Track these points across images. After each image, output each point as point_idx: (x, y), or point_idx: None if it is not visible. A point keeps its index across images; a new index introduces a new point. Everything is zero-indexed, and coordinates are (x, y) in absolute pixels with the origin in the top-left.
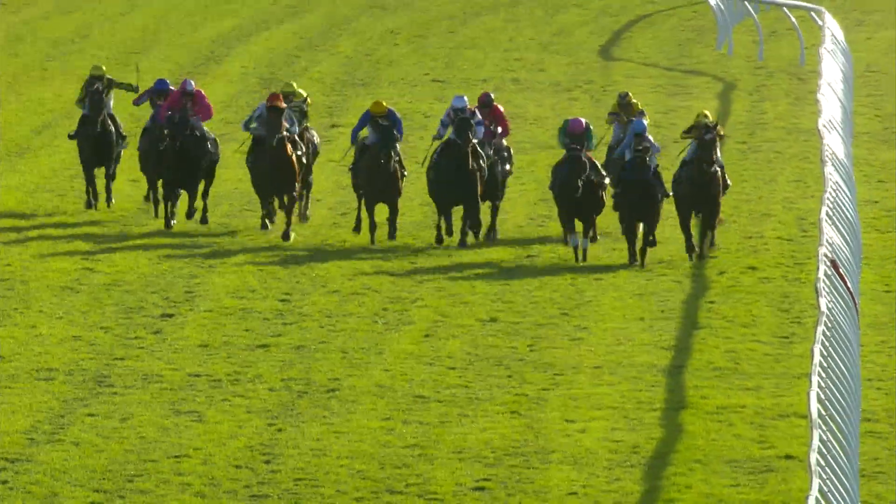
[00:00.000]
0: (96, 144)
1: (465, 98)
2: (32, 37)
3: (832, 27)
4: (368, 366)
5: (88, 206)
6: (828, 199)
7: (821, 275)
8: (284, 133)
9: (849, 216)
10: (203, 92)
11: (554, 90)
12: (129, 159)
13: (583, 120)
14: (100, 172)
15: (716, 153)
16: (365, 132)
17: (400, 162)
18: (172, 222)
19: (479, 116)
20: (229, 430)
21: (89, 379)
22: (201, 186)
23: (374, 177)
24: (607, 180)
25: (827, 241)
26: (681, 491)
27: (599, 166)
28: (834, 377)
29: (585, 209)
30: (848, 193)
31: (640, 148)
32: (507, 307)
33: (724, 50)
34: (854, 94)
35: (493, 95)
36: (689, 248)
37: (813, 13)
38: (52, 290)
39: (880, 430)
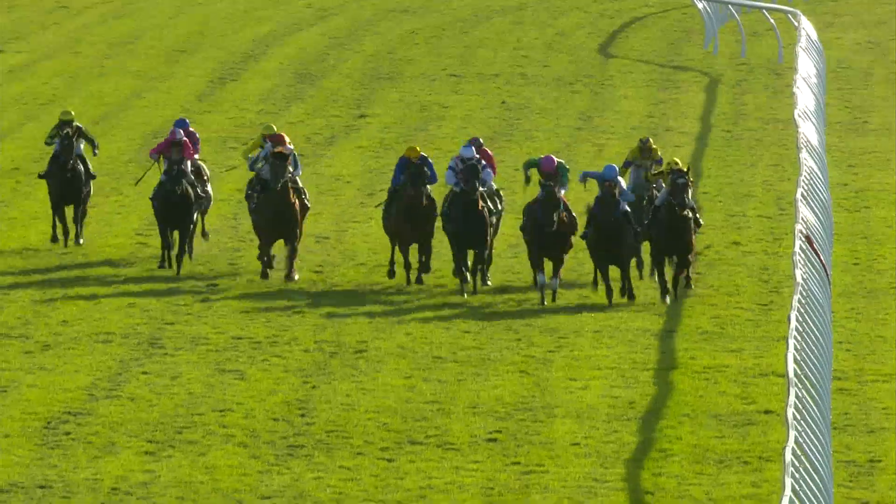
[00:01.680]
0: (65, 184)
1: (473, 148)
2: (91, 38)
3: (807, 28)
4: (392, 330)
5: (54, 240)
6: (803, 181)
7: (797, 249)
8: (287, 179)
9: (822, 197)
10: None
11: (557, 84)
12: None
13: (554, 158)
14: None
15: (688, 196)
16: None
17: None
18: (172, 265)
19: (485, 162)
20: (268, 387)
21: (143, 341)
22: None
23: (410, 217)
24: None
25: (802, 219)
26: (672, 442)
27: (570, 208)
28: (808, 340)
29: (556, 248)
30: (821, 176)
31: (611, 184)
32: (517, 278)
33: (710, 48)
34: (826, 87)
35: (481, 140)
36: (664, 291)
37: (790, 15)
38: (110, 263)
39: (850, 387)
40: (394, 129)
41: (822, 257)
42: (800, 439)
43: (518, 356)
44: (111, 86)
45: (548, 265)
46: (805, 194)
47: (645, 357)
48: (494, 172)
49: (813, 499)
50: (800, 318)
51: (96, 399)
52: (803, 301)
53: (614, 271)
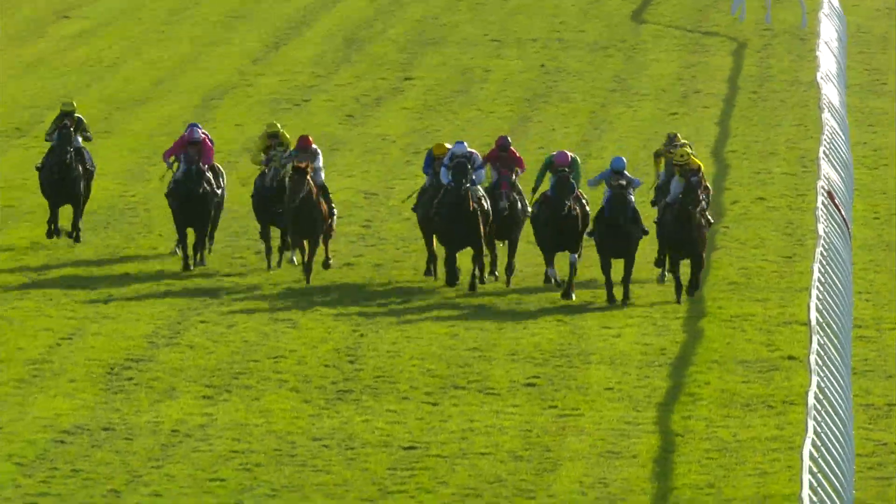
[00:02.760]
0: (58, 181)
1: (465, 143)
2: (152, 5)
3: None
4: (437, 282)
5: (49, 235)
6: (825, 140)
7: (819, 204)
8: (309, 188)
9: (843, 155)
10: (208, 136)
11: (592, 48)
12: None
13: (568, 153)
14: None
15: (701, 194)
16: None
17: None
18: (190, 268)
19: (480, 160)
20: (319, 335)
21: (202, 292)
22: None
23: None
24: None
25: (824, 175)
26: (700, 387)
27: (584, 200)
28: (830, 290)
29: (568, 240)
30: (842, 135)
31: (618, 184)
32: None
33: (737, 15)
34: (847, 51)
35: (509, 140)
36: (678, 287)
37: None
38: (169, 218)
39: (869, 335)
40: (437, 91)
41: (843, 212)
42: (822, 384)
43: (555, 306)
44: (169, 51)
45: (559, 262)
46: (827, 152)
47: (675, 306)
48: (522, 170)
49: (834, 440)
50: (822, 270)
51: (157, 347)
52: (825, 253)
53: (616, 273)
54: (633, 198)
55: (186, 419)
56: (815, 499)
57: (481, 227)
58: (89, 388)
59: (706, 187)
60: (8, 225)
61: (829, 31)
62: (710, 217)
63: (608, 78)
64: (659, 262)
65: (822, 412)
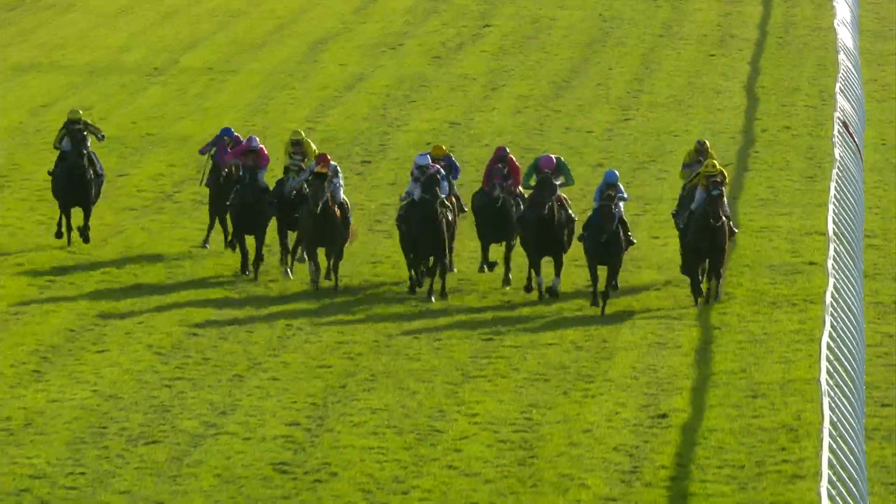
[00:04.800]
0: (71, 184)
1: (428, 157)
2: None
3: None
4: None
5: (58, 236)
6: (841, 77)
7: (836, 132)
8: (325, 199)
9: (856, 90)
10: (264, 147)
11: None
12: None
13: (553, 157)
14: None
15: (723, 206)
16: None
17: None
18: (248, 272)
19: (443, 172)
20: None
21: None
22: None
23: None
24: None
25: (840, 108)
26: (734, 287)
27: (569, 204)
28: (845, 205)
29: (554, 246)
30: (855, 74)
31: (609, 195)
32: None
33: None
34: (860, 1)
35: (507, 150)
36: (697, 292)
37: None
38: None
39: (878, 243)
40: (511, 36)
41: (856, 139)
42: (837, 285)
43: None
44: (284, 3)
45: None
46: (842, 88)
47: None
48: (518, 181)
49: (848, 333)
50: (838, 188)
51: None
52: (840, 174)
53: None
54: (621, 209)
55: (298, 315)
56: (830, 382)
57: (446, 237)
58: (218, 289)
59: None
60: (152, 152)
61: None
62: (733, 226)
63: (657, 25)
64: (686, 271)
65: (838, 309)
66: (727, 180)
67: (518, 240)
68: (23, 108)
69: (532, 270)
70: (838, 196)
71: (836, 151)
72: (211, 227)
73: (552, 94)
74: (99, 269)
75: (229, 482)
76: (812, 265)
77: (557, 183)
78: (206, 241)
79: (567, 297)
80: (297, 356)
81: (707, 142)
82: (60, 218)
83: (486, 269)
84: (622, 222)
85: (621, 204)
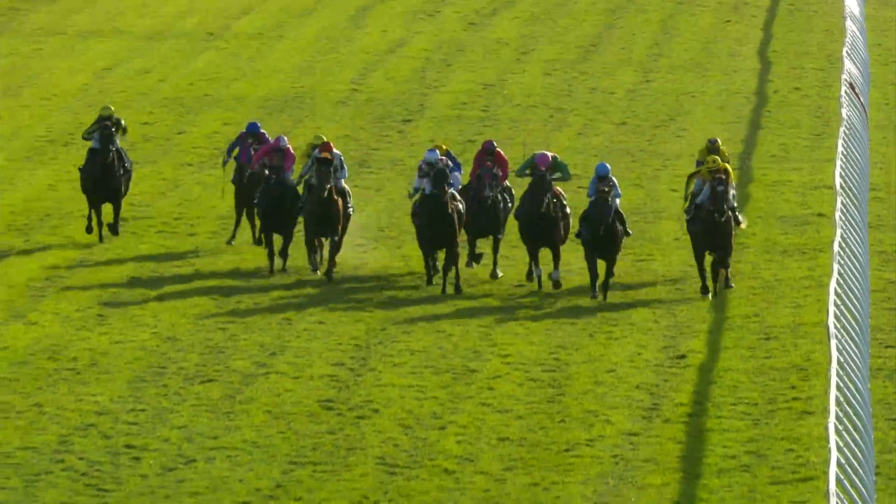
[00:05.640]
0: (101, 180)
1: (437, 151)
2: None
3: None
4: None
5: (88, 231)
6: (847, 42)
7: (843, 93)
8: (332, 183)
9: (861, 54)
10: (291, 147)
11: None
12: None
13: (548, 154)
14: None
15: (727, 200)
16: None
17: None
18: (274, 267)
19: (452, 164)
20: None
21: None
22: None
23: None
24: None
25: (847, 70)
26: (748, 237)
27: (565, 199)
28: (851, 161)
29: (547, 237)
30: (861, 39)
31: (604, 189)
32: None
33: None
34: None
35: (495, 143)
36: (704, 288)
37: None
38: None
39: (881, 196)
40: (541, 4)
41: (861, 99)
42: (844, 235)
43: (633, 174)
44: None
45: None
46: (849, 52)
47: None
48: (506, 173)
49: (854, 279)
50: (844, 145)
51: None
52: (847, 132)
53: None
54: (617, 202)
55: (343, 264)
56: (838, 325)
57: (457, 230)
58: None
59: (732, 192)
60: (207, 111)
61: None
62: (738, 217)
63: None
64: (696, 260)
65: (845, 257)
66: (731, 179)
67: (515, 232)
68: (87, 72)
69: (532, 263)
70: (845, 152)
71: (843, 111)
72: (237, 223)
73: (579, 57)
74: (158, 220)
75: (278, 418)
76: (820, 216)
77: (553, 178)
78: (232, 238)
79: None
80: (341, 302)
81: (718, 139)
82: (90, 213)
83: (473, 264)
84: (618, 214)
85: (616, 200)
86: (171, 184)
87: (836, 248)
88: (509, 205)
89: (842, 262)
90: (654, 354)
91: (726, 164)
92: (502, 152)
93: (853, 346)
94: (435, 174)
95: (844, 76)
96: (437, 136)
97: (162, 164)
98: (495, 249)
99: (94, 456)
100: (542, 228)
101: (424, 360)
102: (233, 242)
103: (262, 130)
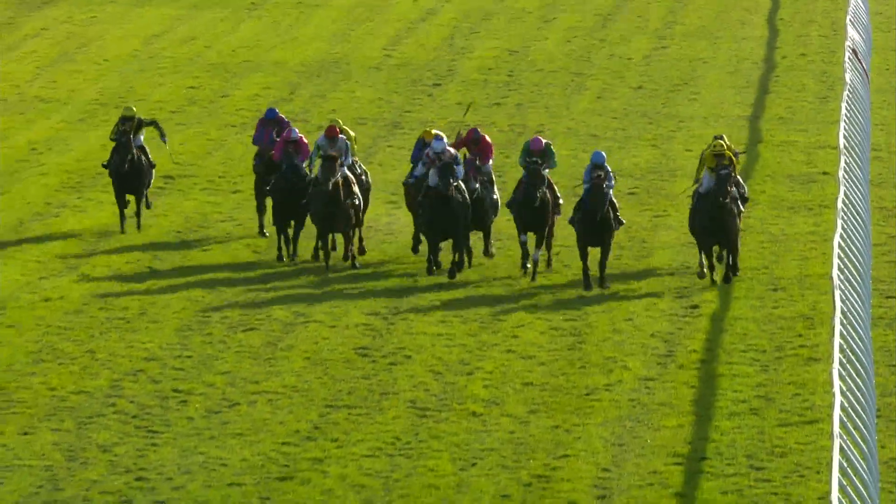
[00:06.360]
0: (126, 176)
1: (444, 142)
2: None
3: None
4: (568, 111)
5: (124, 222)
6: (851, 10)
7: (846, 58)
8: (339, 177)
9: (864, 21)
10: (304, 137)
11: None
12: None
13: (542, 139)
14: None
15: (731, 186)
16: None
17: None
18: (285, 257)
19: (457, 155)
20: None
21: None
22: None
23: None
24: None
25: (850, 37)
26: (757, 194)
27: (556, 187)
28: (854, 122)
29: (539, 223)
30: (864, 7)
31: (597, 176)
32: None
33: None
34: None
35: (480, 130)
36: (701, 274)
37: None
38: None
39: (882, 155)
40: None
41: (864, 64)
42: (847, 192)
43: (649, 135)
44: None
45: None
46: (852, 20)
47: (739, 135)
48: (491, 157)
49: (856, 234)
50: (848, 107)
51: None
52: (850, 95)
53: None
54: (611, 191)
55: (372, 222)
56: (841, 276)
57: (460, 221)
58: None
59: (737, 181)
60: (249, 76)
61: None
62: (741, 205)
63: None
64: (700, 249)
65: (848, 213)
66: (736, 164)
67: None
68: (137, 38)
69: (524, 253)
70: (848, 114)
71: (847, 75)
72: (262, 212)
73: (597, 25)
74: (203, 178)
75: (317, 364)
76: (825, 175)
77: (545, 171)
78: (261, 228)
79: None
80: (375, 255)
81: (724, 136)
82: (119, 205)
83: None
84: (611, 203)
85: (610, 191)
86: (216, 144)
87: (839, 204)
88: (494, 196)
89: (845, 217)
90: (669, 304)
91: (731, 153)
92: (488, 138)
93: (856, 296)
94: (441, 167)
95: (848, 43)
96: (464, 98)
97: (207, 125)
98: (486, 235)
99: (144, 399)
100: (533, 217)
101: (453, 310)
102: (266, 233)
103: (280, 115)
